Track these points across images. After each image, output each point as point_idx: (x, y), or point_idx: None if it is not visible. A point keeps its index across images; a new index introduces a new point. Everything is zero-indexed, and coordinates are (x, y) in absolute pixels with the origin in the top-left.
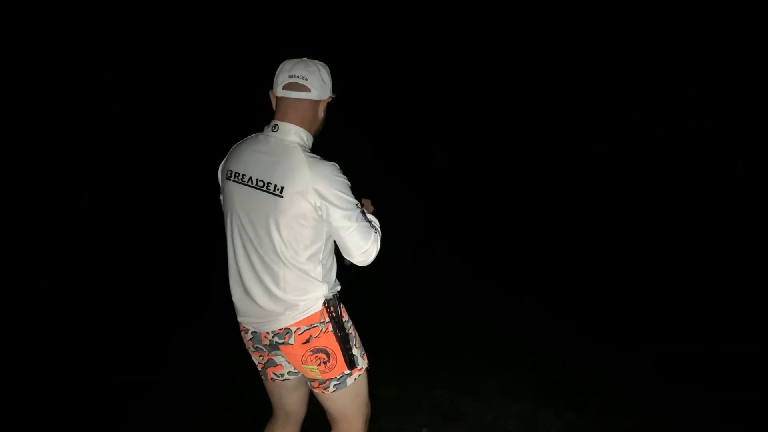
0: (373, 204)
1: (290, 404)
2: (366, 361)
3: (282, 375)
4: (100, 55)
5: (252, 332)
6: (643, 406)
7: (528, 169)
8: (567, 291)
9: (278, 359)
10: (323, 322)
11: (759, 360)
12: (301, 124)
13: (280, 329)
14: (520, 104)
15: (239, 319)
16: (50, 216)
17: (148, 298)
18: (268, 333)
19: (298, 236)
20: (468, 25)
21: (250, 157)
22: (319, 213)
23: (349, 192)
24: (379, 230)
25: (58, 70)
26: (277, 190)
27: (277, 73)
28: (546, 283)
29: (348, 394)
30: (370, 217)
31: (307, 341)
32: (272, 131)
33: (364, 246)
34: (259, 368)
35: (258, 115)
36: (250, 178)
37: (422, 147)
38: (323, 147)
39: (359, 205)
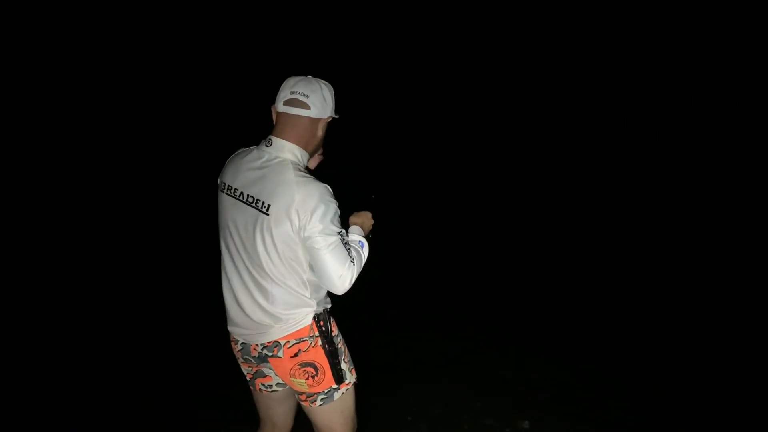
0: (373, 217)
1: (277, 416)
2: (354, 376)
3: (270, 386)
4: (100, 55)
5: (242, 343)
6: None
7: (528, 172)
8: (569, 296)
9: (267, 371)
10: (312, 336)
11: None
12: (297, 142)
13: (269, 342)
14: (520, 107)
15: (230, 328)
16: (50, 216)
17: (147, 299)
18: (257, 345)
19: (284, 254)
20: (467, 29)
21: (244, 171)
22: (301, 234)
23: (334, 217)
24: (362, 258)
25: (58, 70)
26: (264, 207)
27: (280, 88)
28: (548, 288)
29: (335, 408)
30: (358, 239)
31: (296, 355)
32: (266, 146)
33: (339, 270)
34: (248, 378)
35: (258, 116)
36: (242, 192)
37: (421, 151)
38: (330, 152)
39: (342, 233)
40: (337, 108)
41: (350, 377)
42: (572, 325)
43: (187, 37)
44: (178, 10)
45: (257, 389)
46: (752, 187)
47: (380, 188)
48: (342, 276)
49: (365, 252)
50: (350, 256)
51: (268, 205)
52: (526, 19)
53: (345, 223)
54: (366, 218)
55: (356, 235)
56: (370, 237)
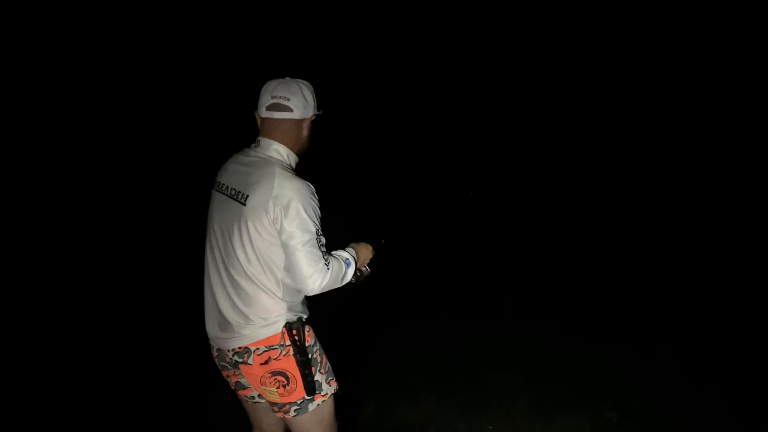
0: (374, 253)
1: (267, 425)
2: (332, 387)
3: (253, 397)
4: (100, 55)
5: (217, 349)
6: None
7: (528, 173)
8: (573, 298)
9: (244, 381)
10: (283, 345)
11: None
12: (285, 144)
13: (239, 347)
14: (521, 108)
15: (207, 329)
16: (49, 216)
17: (147, 300)
18: (229, 351)
19: (259, 250)
20: (466, 31)
21: (232, 168)
22: (276, 226)
23: (312, 215)
24: (342, 273)
25: (57, 70)
26: (243, 198)
27: (260, 94)
28: (551, 291)
29: (312, 419)
30: (346, 256)
31: (266, 362)
32: (255, 147)
33: (307, 271)
34: (232, 387)
35: (250, 114)
36: (227, 186)
37: (421, 152)
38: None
39: (318, 232)
40: (320, 104)
41: (327, 388)
42: (582, 324)
43: (186, 38)
44: (177, 10)
45: (242, 399)
46: (753, 188)
47: (380, 188)
48: (312, 277)
49: (348, 271)
50: (325, 259)
51: (247, 196)
52: (526, 21)
53: (344, 244)
54: (365, 250)
55: (346, 253)
56: (366, 271)
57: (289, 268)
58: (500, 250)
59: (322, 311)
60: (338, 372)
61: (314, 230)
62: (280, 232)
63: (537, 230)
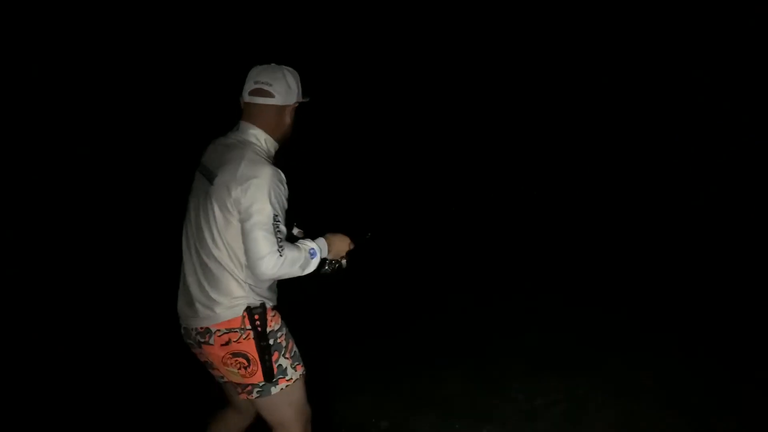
0: (353, 246)
1: (240, 402)
2: (298, 372)
3: (222, 377)
4: (97, 54)
5: (183, 327)
6: None
7: (531, 176)
8: (576, 299)
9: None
10: (243, 329)
11: None
12: (264, 129)
13: (201, 328)
14: (525, 111)
15: (178, 305)
16: (46, 216)
17: (144, 300)
18: (192, 330)
19: (221, 230)
20: (468, 34)
21: (211, 149)
22: (237, 208)
23: (273, 200)
24: (302, 262)
25: (52, 70)
26: (212, 177)
27: (246, 79)
28: (555, 294)
29: (279, 402)
30: (311, 246)
31: (227, 344)
32: (235, 130)
33: (261, 253)
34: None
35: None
36: (204, 166)
37: (421, 151)
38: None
39: (277, 218)
40: (305, 92)
41: (293, 373)
42: (586, 327)
43: (179, 36)
44: (170, 9)
45: (215, 378)
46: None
47: (379, 184)
48: (263, 259)
49: (312, 263)
50: (279, 245)
51: (215, 176)
52: (529, 22)
53: (320, 233)
54: (341, 242)
55: (313, 243)
56: (342, 264)
57: (244, 247)
58: (502, 249)
59: (324, 314)
60: (337, 371)
61: (272, 215)
62: (240, 212)
63: (537, 230)
